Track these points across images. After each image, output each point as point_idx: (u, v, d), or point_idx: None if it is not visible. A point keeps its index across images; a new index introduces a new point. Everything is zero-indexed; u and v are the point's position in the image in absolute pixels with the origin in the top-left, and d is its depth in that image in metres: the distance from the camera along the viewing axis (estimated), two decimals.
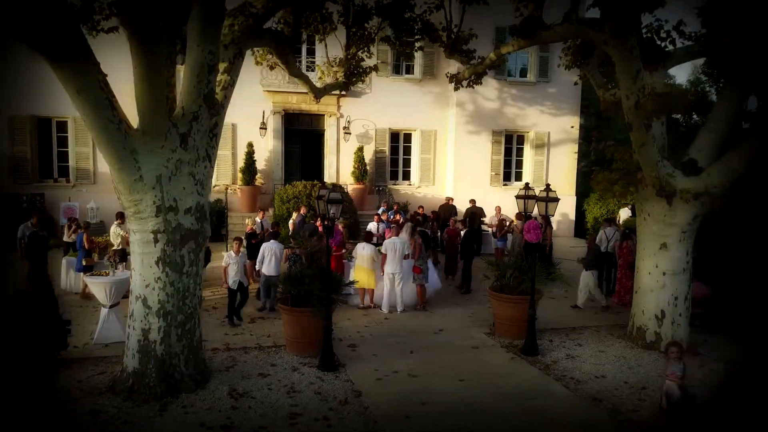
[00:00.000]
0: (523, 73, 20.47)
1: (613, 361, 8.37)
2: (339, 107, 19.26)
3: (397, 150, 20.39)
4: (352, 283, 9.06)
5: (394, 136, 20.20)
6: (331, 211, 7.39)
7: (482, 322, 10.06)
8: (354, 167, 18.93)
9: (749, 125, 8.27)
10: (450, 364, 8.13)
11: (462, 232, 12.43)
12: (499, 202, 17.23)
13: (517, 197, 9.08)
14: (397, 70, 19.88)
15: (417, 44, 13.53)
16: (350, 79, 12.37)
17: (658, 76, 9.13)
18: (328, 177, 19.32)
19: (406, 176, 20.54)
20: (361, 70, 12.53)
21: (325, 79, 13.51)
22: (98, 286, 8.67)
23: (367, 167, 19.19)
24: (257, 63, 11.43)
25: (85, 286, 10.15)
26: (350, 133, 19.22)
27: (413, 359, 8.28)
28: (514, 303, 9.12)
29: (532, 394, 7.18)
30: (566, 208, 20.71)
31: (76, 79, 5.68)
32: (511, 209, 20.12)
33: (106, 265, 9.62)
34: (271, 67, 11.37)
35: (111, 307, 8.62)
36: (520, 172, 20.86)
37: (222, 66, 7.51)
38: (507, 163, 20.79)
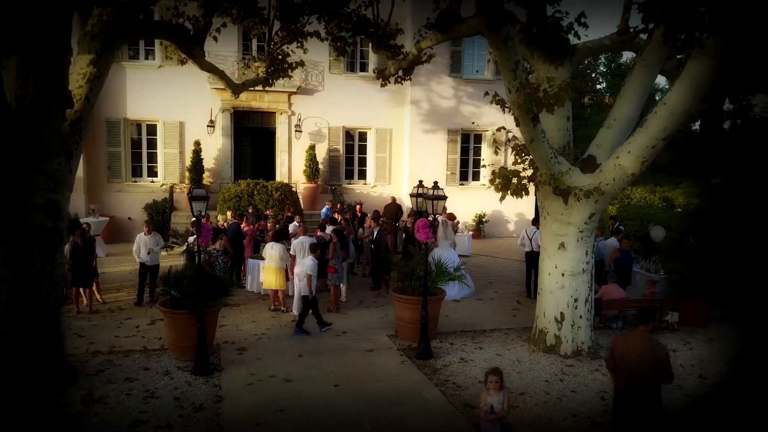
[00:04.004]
0: (480, 70, 20.15)
1: (506, 365, 8.03)
2: (290, 105, 18.94)
3: (352, 149, 20.07)
4: (238, 286, 8.73)
5: (349, 134, 19.89)
6: (196, 209, 7.09)
7: (391, 325, 9.74)
8: (306, 166, 18.64)
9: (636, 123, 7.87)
10: (335, 368, 7.83)
11: (375, 231, 12.11)
12: (456, 202, 16.91)
13: (411, 195, 8.77)
14: (351, 68, 19.58)
15: (350, 39, 13.22)
16: (272, 75, 12.02)
17: (564, 70, 8.83)
18: (280, 176, 19.03)
19: (362, 175, 20.23)
20: (286, 65, 12.19)
21: (247, 74, 13.19)
22: None
23: (320, 166, 18.90)
24: (168, 57, 11.11)
25: None
26: (302, 131, 18.91)
27: (298, 363, 7.98)
28: (412, 304, 8.82)
29: (404, 401, 6.88)
30: (523, 207, 20.38)
31: None
32: (468, 209, 19.94)
33: None
34: (182, 62, 11.06)
35: None
36: (478, 172, 20.54)
37: (88, 58, 7.21)
38: (464, 163, 20.47)
